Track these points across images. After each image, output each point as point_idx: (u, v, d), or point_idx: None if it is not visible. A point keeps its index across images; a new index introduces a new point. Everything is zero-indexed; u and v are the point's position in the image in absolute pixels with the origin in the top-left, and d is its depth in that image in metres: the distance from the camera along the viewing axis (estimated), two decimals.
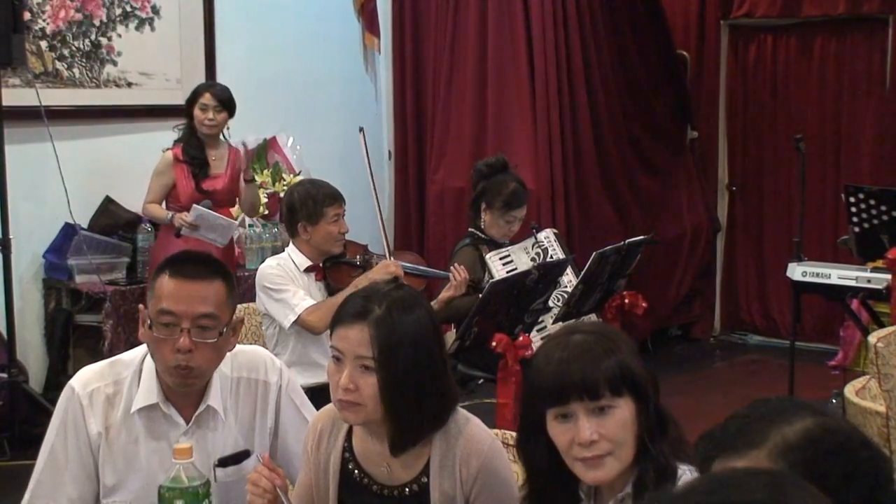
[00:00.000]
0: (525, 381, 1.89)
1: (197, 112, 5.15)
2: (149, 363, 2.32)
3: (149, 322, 2.24)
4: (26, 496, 2.31)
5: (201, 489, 2.01)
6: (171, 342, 2.21)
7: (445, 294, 4.17)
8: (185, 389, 2.30)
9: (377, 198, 4.16)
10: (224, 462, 2.35)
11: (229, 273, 2.35)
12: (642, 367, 1.84)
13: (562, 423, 1.80)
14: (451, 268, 4.21)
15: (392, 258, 4.27)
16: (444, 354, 2.11)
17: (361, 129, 4.53)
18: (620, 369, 1.79)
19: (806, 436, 1.33)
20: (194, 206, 5.13)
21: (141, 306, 2.32)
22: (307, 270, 3.98)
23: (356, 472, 2.14)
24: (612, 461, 1.79)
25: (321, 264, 4.02)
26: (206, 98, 5.16)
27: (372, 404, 2.01)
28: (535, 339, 4.24)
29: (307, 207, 3.93)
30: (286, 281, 3.86)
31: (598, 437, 1.77)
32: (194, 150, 5.17)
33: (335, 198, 3.99)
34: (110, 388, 2.32)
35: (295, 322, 3.80)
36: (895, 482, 1.33)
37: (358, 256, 4.18)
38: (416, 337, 2.01)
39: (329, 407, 2.18)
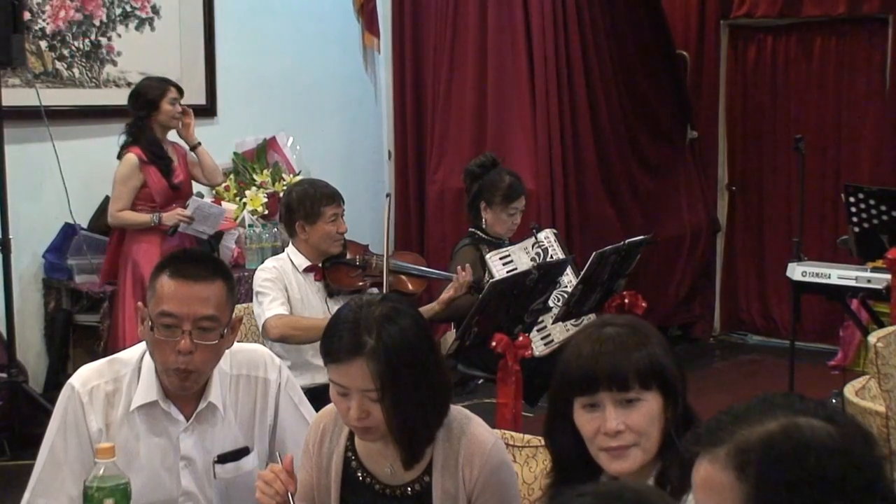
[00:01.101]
0: (555, 369, 1.90)
1: (167, 107, 5.07)
2: (148, 361, 2.32)
3: (149, 323, 2.23)
4: (26, 495, 2.31)
5: (128, 487, 2.00)
6: (172, 344, 2.21)
7: (447, 294, 4.17)
8: (183, 392, 2.30)
9: (387, 261, 4.14)
10: (223, 459, 2.36)
11: (229, 272, 2.35)
12: (673, 362, 1.87)
13: (589, 412, 1.83)
14: (458, 268, 4.20)
15: (391, 262, 4.26)
16: (435, 349, 2.10)
17: (388, 195, 4.46)
18: (651, 363, 1.82)
19: (763, 439, 1.32)
20: (192, 198, 5.12)
21: (140, 304, 2.32)
22: (306, 271, 3.97)
23: (359, 471, 2.14)
24: (637, 452, 1.82)
25: (320, 265, 4.01)
26: (174, 92, 5.11)
27: (386, 425, 2.03)
28: (535, 338, 4.24)
29: (305, 207, 3.92)
30: (273, 285, 3.83)
31: (623, 427, 1.80)
32: (158, 148, 5.09)
33: (333, 197, 3.97)
34: (110, 386, 2.32)
35: (262, 327, 3.79)
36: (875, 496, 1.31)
37: (358, 257, 4.16)
38: (409, 349, 1.99)
39: (331, 406, 2.18)
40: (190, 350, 2.20)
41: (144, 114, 5.06)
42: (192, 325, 2.20)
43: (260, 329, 3.82)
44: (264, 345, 3.73)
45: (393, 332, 1.98)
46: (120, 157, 5.09)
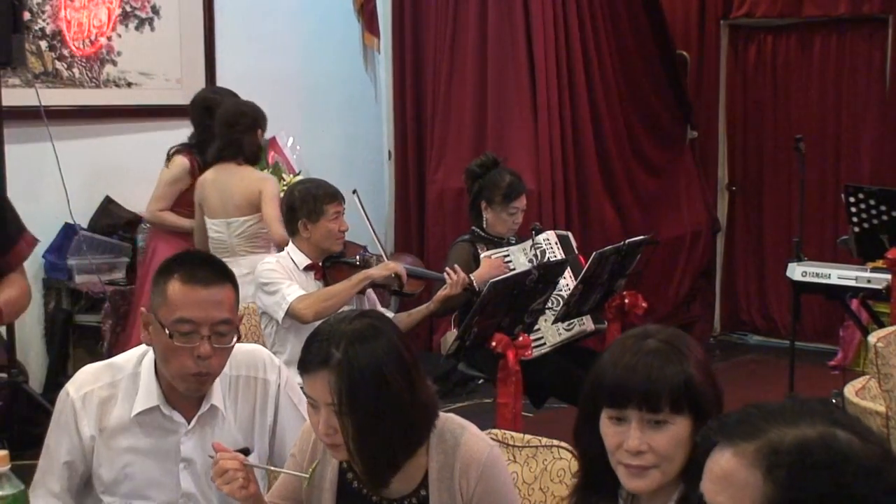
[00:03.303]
0: (589, 373, 1.85)
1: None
2: (147, 365, 2.32)
3: (167, 331, 2.21)
4: (35, 487, 2.33)
5: (25, 493, 1.96)
6: (190, 350, 2.20)
7: (442, 293, 4.18)
8: (196, 395, 2.31)
9: (382, 247, 4.21)
10: None
11: (233, 274, 2.34)
12: (709, 385, 1.80)
13: (615, 424, 1.78)
14: (447, 270, 4.22)
15: (388, 260, 4.28)
16: (412, 376, 1.98)
17: (355, 191, 4.57)
18: (686, 387, 1.75)
19: (799, 444, 1.28)
20: None
21: (143, 309, 2.31)
22: (306, 269, 4.00)
23: (355, 482, 2.11)
24: (656, 474, 1.76)
25: (320, 263, 4.04)
26: None
27: None
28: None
29: (308, 205, 3.96)
30: (281, 276, 3.88)
31: (646, 448, 1.75)
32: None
33: (335, 196, 4.02)
34: (105, 391, 2.32)
35: (287, 313, 3.81)
36: None
37: (357, 256, 4.20)
38: (376, 370, 1.93)
39: None
40: (210, 355, 2.20)
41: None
42: (210, 331, 2.20)
43: (280, 318, 3.84)
44: (265, 343, 3.77)
45: (361, 351, 1.93)
46: (166, 158, 5.12)
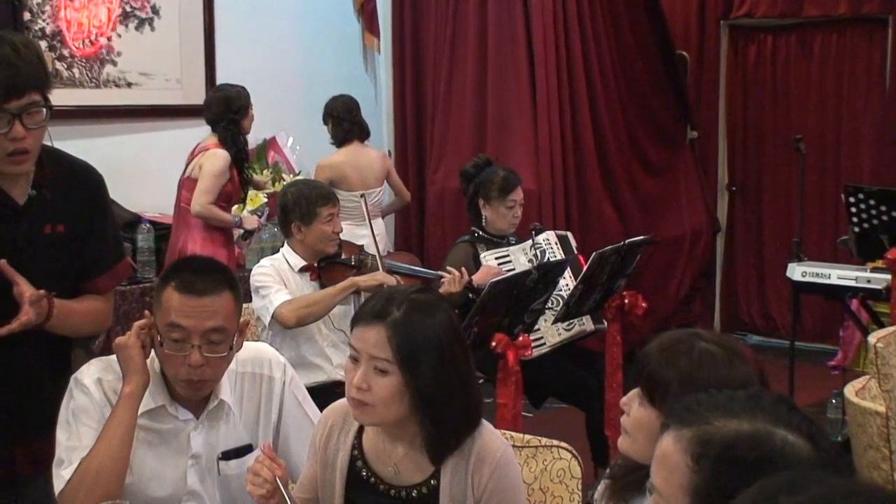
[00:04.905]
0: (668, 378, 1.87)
1: (252, 112, 5.29)
2: (153, 365, 2.32)
3: (158, 337, 2.23)
4: (63, 462, 2.25)
5: None
6: (182, 357, 2.21)
7: (441, 290, 4.16)
8: (194, 398, 2.31)
9: (378, 251, 4.23)
10: (227, 455, 2.36)
11: (235, 281, 2.34)
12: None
13: None
14: (458, 270, 4.21)
15: (385, 262, 4.26)
16: (467, 355, 2.09)
17: (363, 195, 4.76)
18: None
19: (730, 437, 1.30)
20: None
21: (147, 311, 2.32)
22: (302, 270, 3.99)
23: (364, 470, 2.13)
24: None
25: (316, 264, 4.03)
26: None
27: (382, 406, 2.00)
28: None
29: (300, 208, 3.95)
30: (272, 280, 3.86)
31: None
32: (245, 154, 5.27)
33: (328, 198, 4.00)
34: (114, 385, 2.31)
35: (272, 317, 3.80)
36: None
37: (353, 256, 4.18)
38: (438, 341, 2.00)
39: (341, 402, 2.18)
40: (200, 364, 2.21)
41: (239, 117, 5.18)
42: (202, 339, 2.20)
43: (267, 322, 3.83)
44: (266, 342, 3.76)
45: (423, 314, 2.00)
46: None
